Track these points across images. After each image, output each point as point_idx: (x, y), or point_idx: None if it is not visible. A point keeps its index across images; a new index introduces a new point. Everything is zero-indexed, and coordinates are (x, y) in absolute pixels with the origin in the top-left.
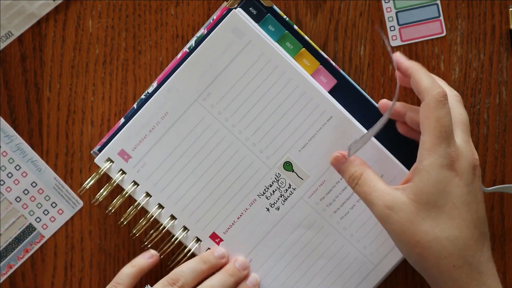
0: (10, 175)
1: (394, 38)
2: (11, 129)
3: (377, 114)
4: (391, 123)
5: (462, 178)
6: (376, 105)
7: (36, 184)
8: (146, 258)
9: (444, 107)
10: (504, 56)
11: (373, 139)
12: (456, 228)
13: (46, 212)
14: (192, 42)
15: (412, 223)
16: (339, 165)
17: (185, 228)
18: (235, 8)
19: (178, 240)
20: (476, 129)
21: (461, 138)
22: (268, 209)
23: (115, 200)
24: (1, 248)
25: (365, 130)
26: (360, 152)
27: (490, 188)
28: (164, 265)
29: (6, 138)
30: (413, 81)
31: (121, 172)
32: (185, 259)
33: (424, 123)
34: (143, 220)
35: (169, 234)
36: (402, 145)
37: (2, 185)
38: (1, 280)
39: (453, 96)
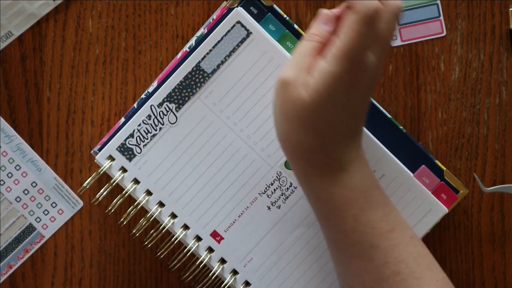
0: (10, 175)
1: (394, 38)
2: (11, 129)
3: (377, 113)
4: (391, 122)
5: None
6: (377, 105)
7: (36, 184)
8: None
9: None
10: (504, 56)
11: (373, 138)
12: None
13: (46, 212)
14: (192, 41)
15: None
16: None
17: (185, 227)
18: (236, 7)
19: (178, 239)
20: (476, 129)
21: (377, 56)
22: (269, 208)
23: (115, 200)
24: (1, 248)
25: (365, 130)
26: None
27: (490, 188)
28: (164, 265)
29: (6, 138)
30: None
31: (122, 170)
32: (184, 259)
33: (340, 30)
34: (143, 220)
35: (169, 234)
36: (402, 145)
37: (2, 185)
38: (1, 280)
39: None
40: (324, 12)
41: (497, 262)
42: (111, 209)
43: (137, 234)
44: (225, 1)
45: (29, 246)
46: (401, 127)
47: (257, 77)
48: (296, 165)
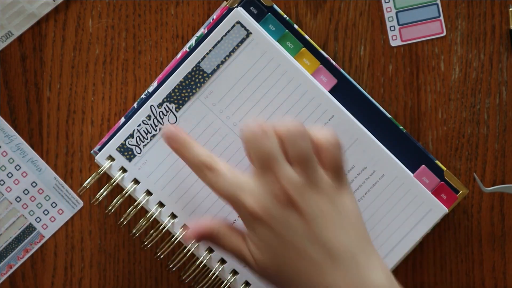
0: (10, 175)
1: (394, 38)
2: (11, 129)
3: (378, 114)
4: (391, 122)
5: (273, 224)
6: (377, 105)
7: (36, 184)
8: None
9: (214, 179)
10: (504, 56)
11: (373, 138)
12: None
13: (46, 212)
14: (192, 41)
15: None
16: None
17: (185, 227)
18: (236, 7)
19: (178, 239)
20: (476, 129)
21: (257, 177)
22: None
23: (115, 200)
24: (1, 248)
25: (365, 130)
26: (360, 152)
27: (490, 188)
28: (164, 265)
29: (6, 138)
30: None
31: (122, 170)
32: (184, 259)
33: None
34: (143, 220)
35: (169, 234)
36: (402, 145)
37: (2, 185)
38: (1, 280)
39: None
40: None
41: (497, 262)
42: (111, 209)
43: (137, 234)
44: (225, 1)
45: (29, 246)
46: (401, 127)
47: (257, 77)
48: None
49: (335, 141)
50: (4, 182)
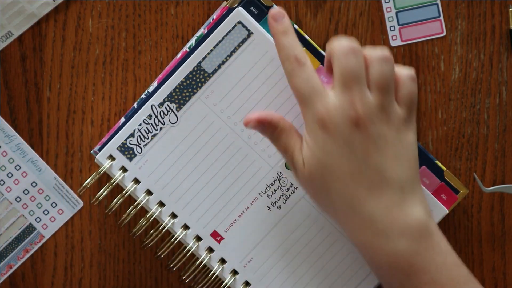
0: (10, 175)
1: (394, 38)
2: (11, 129)
3: None
4: None
5: (336, 136)
6: None
7: (36, 184)
8: None
9: (296, 78)
10: (504, 56)
11: None
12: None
13: (46, 212)
14: (192, 41)
15: (306, 192)
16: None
17: (186, 227)
18: (236, 7)
19: (178, 239)
20: (476, 129)
21: (341, 96)
22: (269, 208)
23: (115, 200)
24: (1, 248)
25: None
26: None
27: (490, 188)
28: (164, 265)
29: (6, 138)
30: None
31: (122, 169)
32: (184, 259)
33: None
34: (143, 220)
35: (169, 234)
36: None
37: (2, 185)
38: (1, 280)
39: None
40: None
41: (497, 262)
42: (111, 209)
43: (137, 234)
44: (225, 1)
45: (29, 246)
46: None
47: (258, 77)
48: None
49: (414, 78)
50: (4, 182)
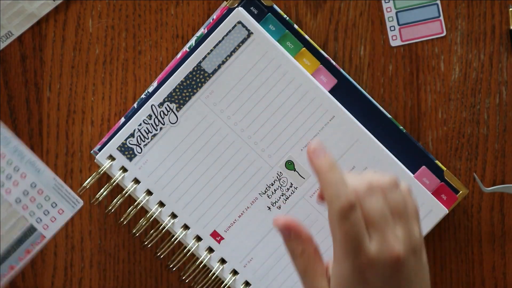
0: (9, 176)
1: (394, 38)
2: (9, 130)
3: (378, 114)
4: (391, 122)
5: (375, 285)
6: (377, 105)
7: (36, 185)
8: None
9: (347, 220)
10: (504, 56)
11: (373, 138)
12: None
13: (46, 213)
14: (192, 41)
15: None
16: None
17: (186, 227)
18: (236, 7)
19: (178, 239)
20: (476, 129)
21: (377, 240)
22: (269, 208)
23: (115, 200)
24: (3, 250)
25: (366, 131)
26: (361, 152)
27: (490, 188)
28: (164, 265)
29: (4, 140)
30: (320, 186)
31: (122, 169)
32: (184, 259)
33: (332, 232)
34: (143, 220)
35: (169, 234)
36: (402, 145)
37: (1, 187)
38: (3, 281)
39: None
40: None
41: (497, 262)
42: (111, 209)
43: (137, 234)
44: (225, 1)
45: (31, 247)
46: (401, 127)
47: (258, 77)
48: None
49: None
50: (4, 184)
